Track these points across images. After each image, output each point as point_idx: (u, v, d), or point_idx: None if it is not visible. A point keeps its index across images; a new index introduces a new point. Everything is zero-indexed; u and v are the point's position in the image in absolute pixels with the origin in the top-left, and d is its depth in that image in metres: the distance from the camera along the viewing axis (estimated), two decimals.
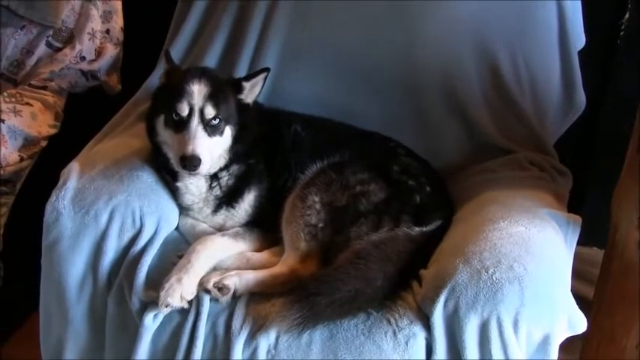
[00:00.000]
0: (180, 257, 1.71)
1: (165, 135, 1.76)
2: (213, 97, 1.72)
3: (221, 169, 1.82)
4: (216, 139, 1.74)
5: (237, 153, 1.81)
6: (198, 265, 1.66)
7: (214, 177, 1.83)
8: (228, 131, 1.77)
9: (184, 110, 1.71)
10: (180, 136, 1.71)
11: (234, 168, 1.83)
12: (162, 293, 1.60)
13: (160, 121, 1.76)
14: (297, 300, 1.52)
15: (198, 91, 1.72)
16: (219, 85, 1.76)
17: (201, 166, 1.69)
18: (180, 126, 1.71)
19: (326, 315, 1.54)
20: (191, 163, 1.68)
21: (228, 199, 1.85)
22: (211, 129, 1.73)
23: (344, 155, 1.86)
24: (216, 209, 1.86)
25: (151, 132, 1.81)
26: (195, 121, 1.71)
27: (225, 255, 1.74)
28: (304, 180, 1.81)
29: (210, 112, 1.72)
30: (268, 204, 1.86)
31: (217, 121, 1.73)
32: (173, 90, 1.74)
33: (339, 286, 1.54)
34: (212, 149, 1.74)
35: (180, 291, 1.60)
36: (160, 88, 1.87)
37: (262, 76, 1.83)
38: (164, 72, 1.86)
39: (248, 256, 1.76)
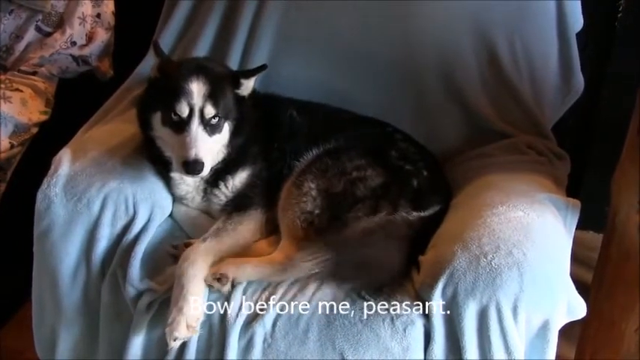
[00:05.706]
0: (175, 247, 1.70)
1: (162, 132, 1.71)
2: (212, 96, 1.67)
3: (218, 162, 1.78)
4: (216, 137, 1.70)
5: (235, 146, 1.77)
6: (192, 287, 1.57)
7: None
8: (227, 127, 1.73)
9: (184, 111, 1.66)
10: (181, 138, 1.65)
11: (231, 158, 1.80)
12: (167, 329, 1.53)
13: (157, 117, 1.70)
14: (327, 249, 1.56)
15: (197, 90, 1.66)
16: (218, 82, 1.71)
17: (204, 169, 1.65)
18: (180, 127, 1.66)
19: (348, 274, 1.58)
20: (194, 168, 1.63)
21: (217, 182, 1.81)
22: (211, 128, 1.68)
23: (340, 141, 1.83)
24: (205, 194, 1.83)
25: (145, 125, 1.75)
26: (196, 122, 1.65)
27: (216, 258, 1.65)
28: (300, 167, 1.79)
29: (210, 111, 1.67)
30: (263, 186, 1.82)
31: (217, 119, 1.69)
32: (170, 88, 1.68)
33: (365, 252, 1.58)
34: (212, 148, 1.70)
35: (184, 321, 1.53)
36: (154, 83, 1.78)
37: (260, 73, 1.80)
38: (157, 65, 1.77)
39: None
